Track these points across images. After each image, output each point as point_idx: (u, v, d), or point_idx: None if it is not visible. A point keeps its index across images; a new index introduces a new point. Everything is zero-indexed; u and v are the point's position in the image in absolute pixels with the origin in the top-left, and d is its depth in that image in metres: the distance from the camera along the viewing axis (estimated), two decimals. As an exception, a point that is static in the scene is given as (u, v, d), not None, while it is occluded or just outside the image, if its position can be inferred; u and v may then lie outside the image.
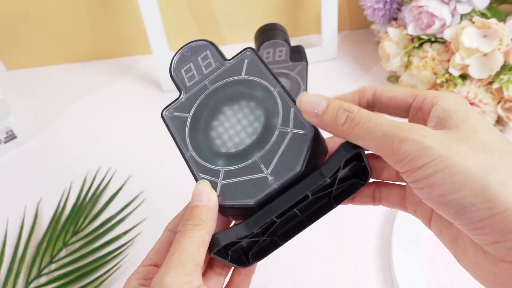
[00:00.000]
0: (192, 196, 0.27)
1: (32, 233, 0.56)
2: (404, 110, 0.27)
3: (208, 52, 0.30)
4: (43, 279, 0.52)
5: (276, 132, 0.27)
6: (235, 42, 0.81)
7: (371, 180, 0.30)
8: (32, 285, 0.51)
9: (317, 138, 0.26)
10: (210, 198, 0.27)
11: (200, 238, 0.25)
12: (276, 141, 0.26)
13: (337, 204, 0.28)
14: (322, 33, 0.74)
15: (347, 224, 0.54)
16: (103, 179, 0.61)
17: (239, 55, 0.30)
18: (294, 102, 0.27)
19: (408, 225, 0.52)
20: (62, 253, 0.54)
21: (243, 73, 0.29)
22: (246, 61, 0.29)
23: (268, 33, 0.58)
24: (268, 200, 0.25)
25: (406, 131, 0.22)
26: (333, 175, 0.25)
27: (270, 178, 0.26)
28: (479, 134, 0.23)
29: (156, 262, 0.27)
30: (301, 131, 0.26)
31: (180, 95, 0.30)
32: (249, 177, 0.26)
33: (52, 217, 0.57)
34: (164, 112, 0.30)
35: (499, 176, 0.21)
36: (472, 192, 0.21)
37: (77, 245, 0.55)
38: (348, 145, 0.25)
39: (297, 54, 0.60)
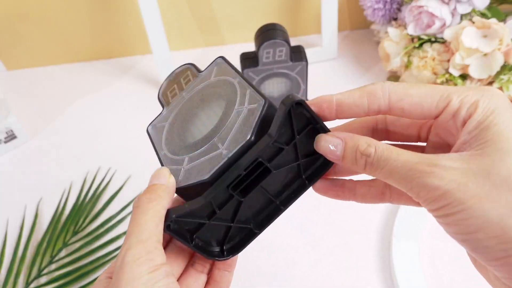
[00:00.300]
0: (150, 179, 0.27)
1: (32, 233, 0.56)
2: (432, 116, 0.25)
3: (189, 72, 0.33)
4: (43, 279, 0.52)
5: (233, 113, 0.27)
6: (235, 42, 0.81)
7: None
8: (32, 285, 0.51)
9: (268, 107, 0.26)
10: (168, 180, 0.27)
11: (156, 213, 0.25)
12: (232, 120, 0.27)
13: (310, 183, 0.29)
14: (322, 33, 0.74)
15: (346, 225, 0.54)
16: (103, 179, 0.61)
17: (211, 64, 0.32)
18: (252, 85, 0.28)
19: (408, 225, 0.52)
20: (62, 253, 0.54)
21: (212, 76, 0.31)
22: (215, 67, 0.31)
23: (268, 33, 0.58)
24: (223, 172, 0.26)
25: (423, 175, 0.22)
26: (281, 136, 0.26)
27: (224, 152, 0.26)
28: (505, 160, 0.21)
29: None
30: (254, 105, 0.27)
31: (162, 110, 0.33)
32: (207, 156, 0.27)
33: (52, 217, 0.57)
34: (148, 128, 0.32)
35: None
36: (487, 235, 0.21)
37: (77, 245, 0.55)
38: (288, 98, 0.25)
39: (297, 54, 0.60)
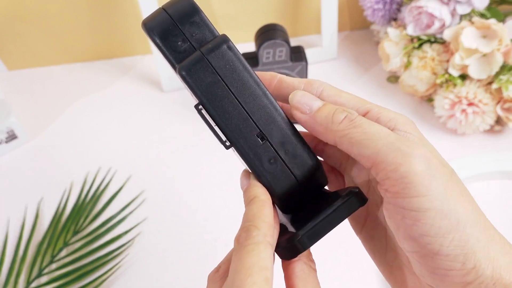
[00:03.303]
0: None
1: (33, 233, 0.56)
2: None
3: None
4: (44, 279, 0.52)
5: None
6: (235, 42, 0.81)
7: None
8: (33, 284, 0.52)
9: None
10: None
11: None
12: None
13: None
14: (322, 33, 0.75)
15: (345, 223, 0.54)
16: (103, 179, 0.61)
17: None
18: None
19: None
20: (63, 253, 0.54)
21: None
22: None
23: (268, 33, 0.58)
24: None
25: (414, 148, 0.20)
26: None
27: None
28: (455, 175, 0.22)
29: None
30: None
31: None
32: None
33: (53, 217, 0.57)
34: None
35: (477, 230, 0.21)
36: (454, 242, 0.20)
37: (78, 245, 0.55)
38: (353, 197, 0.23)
39: (297, 54, 0.61)
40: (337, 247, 0.51)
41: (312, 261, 0.24)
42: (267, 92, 0.24)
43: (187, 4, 0.24)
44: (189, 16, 0.24)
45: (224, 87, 0.23)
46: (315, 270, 0.23)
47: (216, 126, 0.23)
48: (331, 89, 0.25)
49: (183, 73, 0.23)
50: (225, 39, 0.24)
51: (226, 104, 0.23)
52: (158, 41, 0.24)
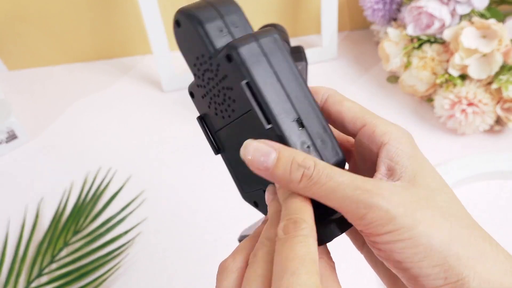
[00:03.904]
0: None
1: (33, 233, 0.56)
2: (350, 133, 0.26)
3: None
4: (44, 279, 0.52)
5: None
6: (235, 42, 0.81)
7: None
8: (33, 284, 0.52)
9: None
10: None
11: None
12: None
13: None
14: (322, 33, 0.75)
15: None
16: (103, 179, 0.61)
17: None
18: None
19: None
20: (63, 253, 0.54)
21: None
22: None
23: (268, 34, 0.58)
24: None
25: (372, 195, 0.21)
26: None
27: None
28: (436, 195, 0.23)
29: None
30: None
31: None
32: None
33: (53, 217, 0.57)
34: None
35: (456, 249, 0.21)
36: (431, 263, 0.21)
37: (78, 244, 0.55)
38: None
39: (297, 54, 0.61)
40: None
41: (332, 260, 0.24)
42: (304, 84, 0.25)
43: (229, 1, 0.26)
44: (232, 11, 0.26)
45: (271, 70, 0.24)
46: (335, 269, 0.24)
47: (257, 105, 0.24)
48: (335, 96, 0.26)
49: (239, 50, 0.24)
50: (273, 30, 0.26)
51: (271, 86, 0.24)
52: (200, 28, 0.25)
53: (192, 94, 0.28)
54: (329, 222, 0.24)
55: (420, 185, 0.23)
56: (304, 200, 0.23)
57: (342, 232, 0.24)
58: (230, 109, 0.26)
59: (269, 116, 0.24)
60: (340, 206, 0.21)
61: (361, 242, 0.28)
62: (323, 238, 0.23)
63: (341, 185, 0.21)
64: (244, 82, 0.24)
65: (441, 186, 0.23)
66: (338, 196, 0.21)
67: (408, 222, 0.21)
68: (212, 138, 0.28)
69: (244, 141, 0.24)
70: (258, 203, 0.28)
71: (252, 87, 0.24)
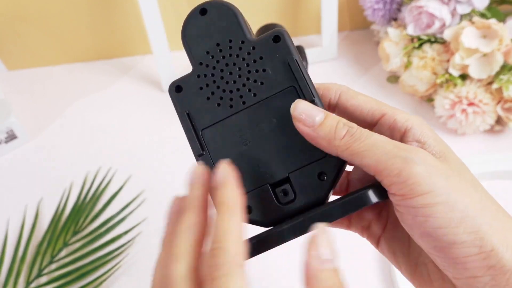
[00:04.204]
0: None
1: (33, 233, 0.56)
2: (368, 124, 0.26)
3: None
4: (43, 279, 0.52)
5: None
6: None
7: None
8: (33, 284, 0.52)
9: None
10: None
11: None
12: None
13: None
14: (322, 33, 0.75)
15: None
16: (103, 179, 0.61)
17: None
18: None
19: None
20: (63, 253, 0.54)
21: None
22: None
23: (268, 34, 0.58)
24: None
25: (410, 151, 0.22)
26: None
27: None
28: (465, 171, 0.23)
29: None
30: None
31: None
32: None
33: (53, 217, 0.57)
34: None
35: (489, 219, 0.22)
36: (467, 229, 0.21)
37: (78, 245, 0.55)
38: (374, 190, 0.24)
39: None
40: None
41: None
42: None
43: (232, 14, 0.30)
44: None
45: (299, 56, 0.27)
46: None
47: (304, 80, 0.26)
48: (349, 92, 0.27)
49: (283, 32, 0.27)
50: (281, 26, 0.30)
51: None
52: (239, 15, 0.29)
53: (178, 89, 0.28)
54: (366, 188, 0.24)
55: (450, 161, 0.23)
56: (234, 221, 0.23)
57: (378, 200, 0.24)
58: (251, 94, 0.27)
59: (313, 91, 0.26)
60: (378, 161, 0.22)
61: (377, 238, 0.29)
62: (359, 204, 0.24)
63: (380, 142, 0.23)
64: (294, 57, 0.26)
65: (465, 166, 0.24)
66: (377, 152, 0.22)
67: (444, 185, 0.21)
68: (197, 137, 0.29)
69: (255, 128, 0.26)
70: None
71: (299, 63, 0.26)
